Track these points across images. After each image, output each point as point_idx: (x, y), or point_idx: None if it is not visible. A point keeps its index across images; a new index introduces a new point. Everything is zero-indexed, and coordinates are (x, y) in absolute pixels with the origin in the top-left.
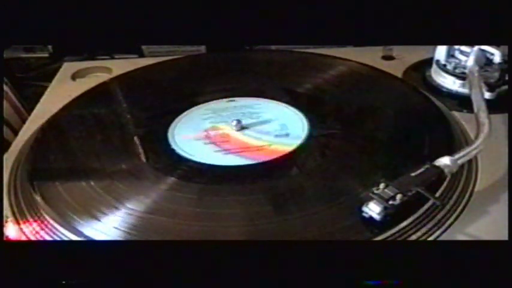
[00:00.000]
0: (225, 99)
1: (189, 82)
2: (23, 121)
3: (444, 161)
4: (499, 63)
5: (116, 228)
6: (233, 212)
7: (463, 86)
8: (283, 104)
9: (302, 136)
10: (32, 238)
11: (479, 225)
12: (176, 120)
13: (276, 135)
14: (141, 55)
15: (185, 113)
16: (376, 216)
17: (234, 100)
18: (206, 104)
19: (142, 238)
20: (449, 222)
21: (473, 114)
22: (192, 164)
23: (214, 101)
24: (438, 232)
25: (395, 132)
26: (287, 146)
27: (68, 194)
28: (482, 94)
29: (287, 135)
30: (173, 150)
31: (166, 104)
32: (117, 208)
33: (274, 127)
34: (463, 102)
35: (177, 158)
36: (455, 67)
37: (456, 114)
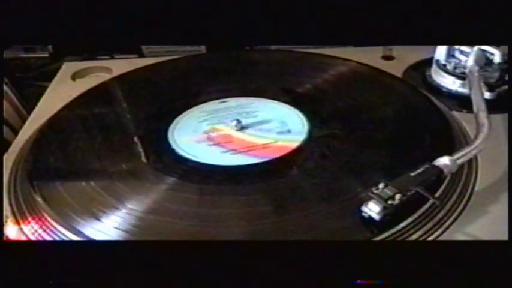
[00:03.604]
0: (223, 99)
1: (189, 82)
2: (23, 121)
3: (444, 160)
4: (499, 63)
5: (116, 228)
6: (233, 212)
7: (463, 86)
8: (283, 104)
9: (302, 136)
10: (32, 238)
11: (479, 225)
12: (176, 120)
13: (278, 133)
14: (141, 55)
15: (185, 113)
16: (376, 216)
17: (232, 100)
18: (206, 104)
19: (142, 238)
20: (449, 222)
21: (473, 114)
22: (192, 164)
23: (214, 101)
24: (438, 232)
25: (395, 132)
26: (291, 142)
27: (68, 194)
28: (482, 94)
29: (289, 132)
30: (173, 150)
31: (166, 104)
32: (117, 208)
33: (275, 125)
34: (463, 102)
35: (177, 158)
36: (455, 67)
37: (456, 114)
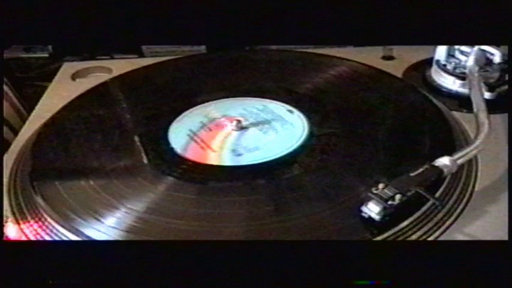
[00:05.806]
0: (223, 99)
1: (189, 82)
2: (23, 121)
3: (443, 161)
4: (499, 63)
5: (116, 228)
6: (233, 212)
7: (463, 86)
8: (283, 104)
9: (302, 136)
10: (32, 238)
11: (479, 225)
12: (176, 120)
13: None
14: (141, 55)
15: (185, 113)
16: (375, 216)
17: (232, 100)
18: (205, 104)
19: (142, 238)
20: (449, 222)
21: (473, 114)
22: (191, 164)
23: (213, 102)
24: (438, 232)
25: (395, 132)
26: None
27: (68, 194)
28: (482, 94)
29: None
30: (173, 149)
31: (166, 104)
32: (117, 208)
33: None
34: (463, 102)
35: (177, 157)
36: (455, 67)
37: (456, 114)
